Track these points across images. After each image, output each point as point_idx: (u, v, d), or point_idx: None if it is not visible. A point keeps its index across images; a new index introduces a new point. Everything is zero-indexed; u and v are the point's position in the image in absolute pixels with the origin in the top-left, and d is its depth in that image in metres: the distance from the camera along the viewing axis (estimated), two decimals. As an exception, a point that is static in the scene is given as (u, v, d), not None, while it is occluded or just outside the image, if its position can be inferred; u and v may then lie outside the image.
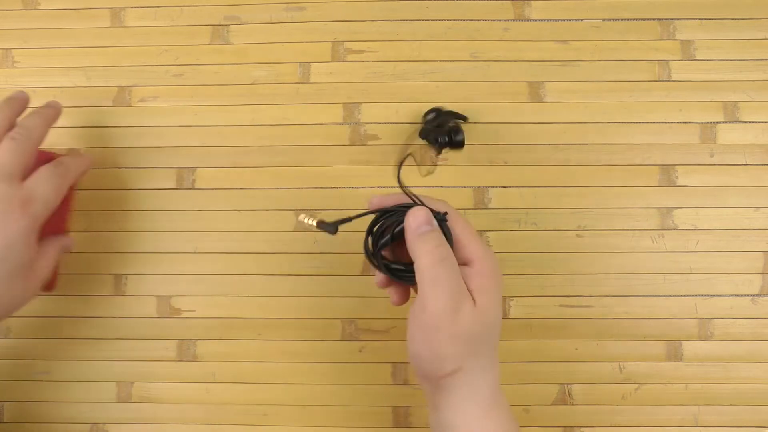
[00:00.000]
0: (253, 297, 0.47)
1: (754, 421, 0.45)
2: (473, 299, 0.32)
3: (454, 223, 0.34)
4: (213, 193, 0.47)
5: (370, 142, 0.47)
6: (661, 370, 0.45)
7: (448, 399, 0.32)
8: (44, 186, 0.38)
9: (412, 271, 0.33)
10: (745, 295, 0.45)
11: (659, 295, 0.46)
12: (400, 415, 0.46)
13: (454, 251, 0.33)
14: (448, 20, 0.48)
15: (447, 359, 0.31)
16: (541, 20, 0.48)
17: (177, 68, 0.49)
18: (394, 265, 0.36)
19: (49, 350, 0.47)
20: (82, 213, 0.47)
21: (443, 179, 0.47)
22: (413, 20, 0.48)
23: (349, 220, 0.36)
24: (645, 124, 0.47)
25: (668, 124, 0.47)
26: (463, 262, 0.33)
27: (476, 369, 0.32)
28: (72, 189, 0.43)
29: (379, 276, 0.37)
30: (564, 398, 0.45)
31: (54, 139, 0.48)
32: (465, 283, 0.32)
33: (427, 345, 0.32)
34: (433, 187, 0.47)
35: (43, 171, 0.38)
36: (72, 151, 0.41)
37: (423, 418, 0.46)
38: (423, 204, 0.35)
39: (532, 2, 0.48)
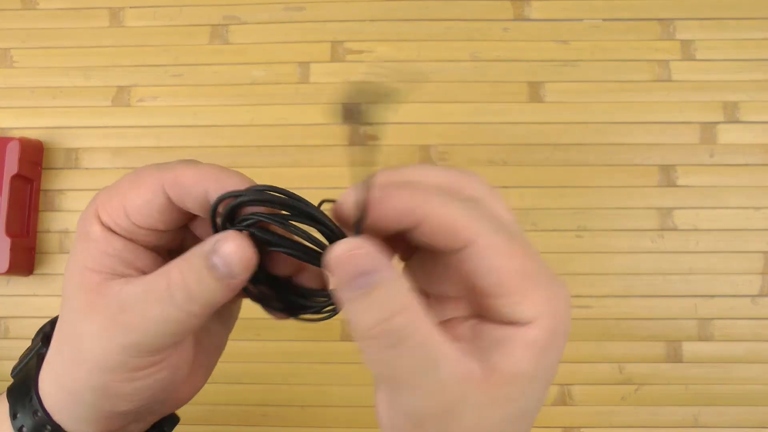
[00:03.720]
0: (253, 297, 0.46)
1: (754, 421, 0.45)
2: (490, 382, 0.18)
3: (481, 258, 0.18)
4: (212, 193, 0.47)
5: (370, 143, 0.47)
6: (661, 371, 0.45)
7: None
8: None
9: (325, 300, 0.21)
10: (745, 296, 0.45)
11: (659, 296, 0.46)
12: (400, 416, 0.46)
13: (486, 304, 0.19)
14: (447, 20, 0.48)
15: None
16: (541, 20, 0.48)
17: (176, 68, 0.48)
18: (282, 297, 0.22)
19: (48, 350, 0.47)
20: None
21: (443, 179, 0.47)
22: (413, 20, 0.48)
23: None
24: (645, 124, 0.47)
25: (668, 124, 0.47)
26: (499, 319, 0.19)
27: None
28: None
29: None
30: (564, 398, 0.45)
31: (55, 140, 0.48)
32: (486, 353, 0.18)
33: None
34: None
35: None
36: None
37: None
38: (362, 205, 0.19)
39: (532, 2, 0.48)
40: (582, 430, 0.45)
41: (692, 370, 0.45)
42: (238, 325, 0.47)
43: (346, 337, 0.46)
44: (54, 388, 0.22)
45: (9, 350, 0.47)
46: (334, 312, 0.21)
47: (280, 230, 0.20)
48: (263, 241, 0.20)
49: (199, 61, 0.48)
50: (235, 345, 0.46)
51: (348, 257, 0.17)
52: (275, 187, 0.20)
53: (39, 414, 0.22)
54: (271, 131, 0.48)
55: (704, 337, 0.45)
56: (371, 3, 0.49)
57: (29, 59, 0.49)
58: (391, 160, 0.47)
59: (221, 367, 0.46)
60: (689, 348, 0.45)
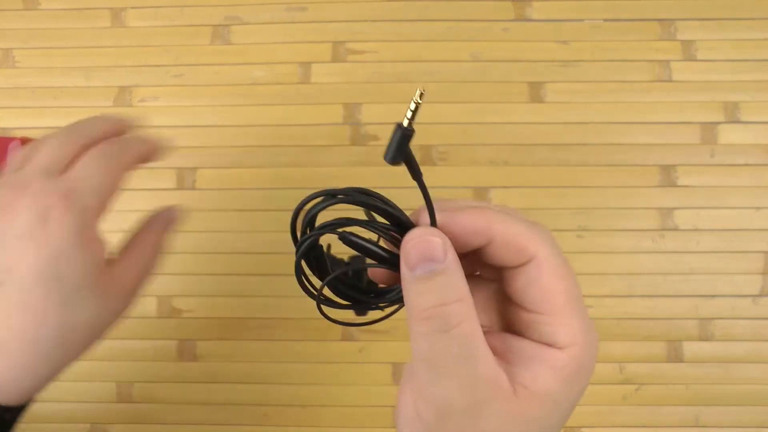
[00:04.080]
0: (253, 297, 0.47)
1: (755, 421, 0.45)
2: (517, 396, 0.19)
3: (538, 275, 0.20)
4: (213, 193, 0.47)
5: (370, 143, 0.47)
6: (661, 371, 0.45)
7: None
8: (90, 169, 0.28)
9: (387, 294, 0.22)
10: (745, 296, 0.45)
11: (660, 296, 0.46)
12: (401, 416, 0.46)
13: (524, 320, 0.20)
14: (448, 21, 0.48)
15: None
16: (542, 20, 0.48)
17: (177, 68, 0.49)
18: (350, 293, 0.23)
19: (49, 350, 0.47)
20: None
21: (443, 179, 0.47)
22: (414, 21, 0.48)
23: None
24: (645, 124, 0.47)
25: (669, 125, 0.47)
26: (537, 338, 0.20)
27: None
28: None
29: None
30: (564, 398, 0.45)
31: (54, 139, 0.48)
32: (519, 369, 0.19)
33: None
34: (432, 187, 0.46)
35: (90, 152, 0.29)
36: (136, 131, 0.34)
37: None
38: (431, 213, 0.21)
39: (533, 2, 0.48)
40: (582, 429, 0.45)
41: (693, 370, 0.45)
42: (239, 325, 0.47)
43: (346, 337, 0.46)
44: None
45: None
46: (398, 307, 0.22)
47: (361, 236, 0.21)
48: (351, 244, 0.21)
49: (201, 62, 0.49)
50: (235, 345, 0.47)
51: (420, 242, 0.19)
52: (365, 189, 0.21)
53: None
54: (272, 131, 0.48)
55: (705, 337, 0.45)
56: (372, 3, 0.49)
57: (31, 59, 0.49)
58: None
59: (222, 367, 0.47)
60: (690, 348, 0.45)
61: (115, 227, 0.47)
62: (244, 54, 0.49)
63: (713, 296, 0.45)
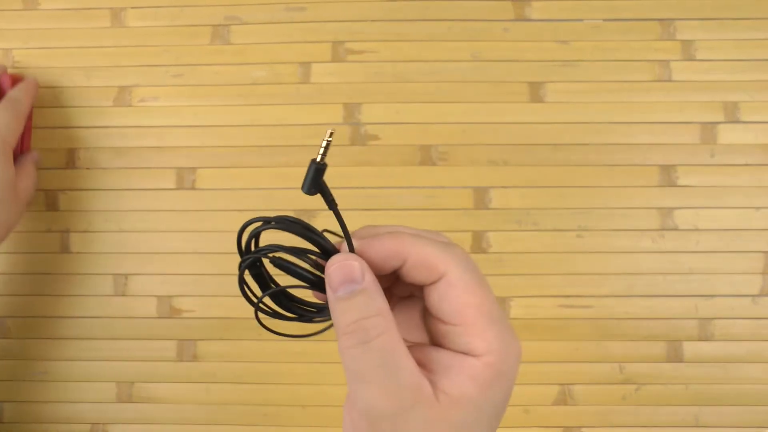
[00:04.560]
0: (253, 297, 0.47)
1: (755, 421, 0.45)
2: (439, 402, 0.21)
3: (449, 290, 0.22)
4: (213, 193, 0.47)
5: (370, 143, 0.47)
6: (661, 371, 0.45)
7: None
8: (3, 116, 0.41)
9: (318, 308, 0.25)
10: (745, 296, 0.45)
11: (659, 296, 0.46)
12: (400, 416, 0.46)
13: (442, 331, 0.22)
14: (448, 20, 0.48)
15: None
16: (542, 20, 0.48)
17: (177, 68, 0.49)
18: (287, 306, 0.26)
19: (48, 350, 0.47)
20: (82, 213, 0.47)
21: (443, 179, 0.47)
22: (414, 20, 0.48)
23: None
24: (645, 124, 0.47)
25: (668, 124, 0.47)
26: (454, 348, 0.22)
27: None
28: (30, 111, 0.46)
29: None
30: (564, 398, 0.45)
31: (54, 139, 0.48)
32: (440, 377, 0.21)
33: None
34: (433, 187, 0.47)
35: (1, 104, 0.42)
36: (19, 81, 0.46)
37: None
38: (346, 239, 0.23)
39: (533, 2, 0.48)
40: (582, 429, 0.45)
41: (693, 370, 0.45)
42: (239, 325, 0.47)
43: (346, 336, 0.46)
44: None
45: (9, 350, 0.47)
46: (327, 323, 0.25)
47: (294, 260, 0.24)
48: (281, 268, 0.24)
49: (200, 62, 0.49)
50: (235, 345, 0.47)
51: (340, 266, 0.22)
52: (294, 218, 0.24)
53: None
54: (272, 131, 0.48)
55: (705, 337, 0.45)
56: (372, 3, 0.49)
57: (31, 59, 0.49)
58: (391, 161, 0.47)
59: (222, 367, 0.47)
60: (690, 348, 0.45)
61: (115, 227, 0.48)
62: (244, 54, 0.49)
63: (713, 296, 0.45)
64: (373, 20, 0.49)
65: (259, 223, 0.24)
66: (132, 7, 0.49)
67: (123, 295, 0.47)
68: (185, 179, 0.48)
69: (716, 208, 0.46)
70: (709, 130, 0.47)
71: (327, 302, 0.23)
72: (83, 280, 0.47)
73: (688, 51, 0.48)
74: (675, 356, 0.45)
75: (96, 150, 0.48)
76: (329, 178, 0.47)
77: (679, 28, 0.48)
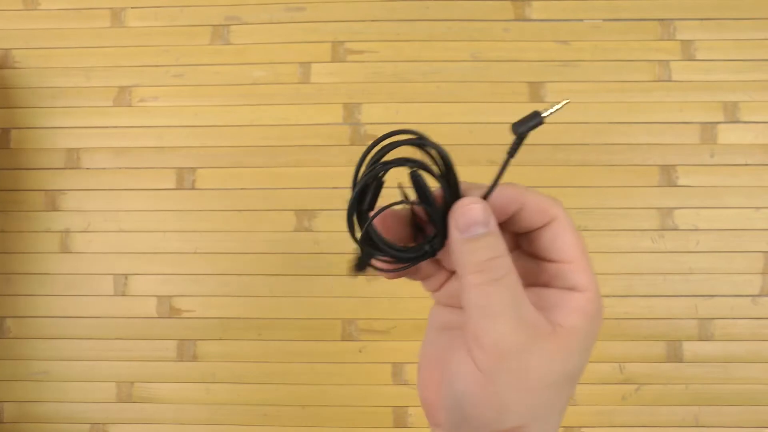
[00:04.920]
0: (253, 297, 0.47)
1: (754, 421, 0.45)
2: (556, 334, 0.23)
3: (562, 231, 0.24)
4: (213, 193, 0.47)
5: (369, 142, 0.47)
6: (661, 371, 0.45)
7: None
8: None
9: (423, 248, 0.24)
10: (745, 296, 0.45)
11: (659, 296, 0.46)
12: (400, 416, 0.46)
13: (551, 271, 0.24)
14: (448, 20, 0.48)
15: (509, 412, 0.23)
16: (542, 21, 0.48)
17: (177, 68, 0.49)
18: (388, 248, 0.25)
19: (49, 350, 0.47)
20: (82, 213, 0.47)
21: (443, 179, 0.47)
22: (414, 20, 0.48)
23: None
24: (645, 124, 0.47)
25: (668, 124, 0.47)
26: (561, 285, 0.24)
27: (542, 430, 0.24)
28: None
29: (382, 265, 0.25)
30: (564, 398, 0.45)
31: (54, 139, 0.48)
32: (551, 313, 0.24)
33: (482, 390, 0.23)
34: (433, 187, 0.47)
35: None
36: None
37: (423, 418, 0.45)
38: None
39: (533, 3, 0.48)
40: (583, 429, 0.45)
41: (692, 370, 0.45)
42: (239, 325, 0.47)
43: (346, 337, 0.46)
44: None
45: (9, 350, 0.47)
46: (430, 255, 0.25)
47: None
48: (416, 183, 0.24)
49: (201, 62, 0.49)
50: (235, 345, 0.47)
51: (469, 208, 0.23)
52: (414, 131, 0.24)
53: None
54: (272, 131, 0.48)
55: (704, 337, 0.45)
56: (372, 3, 0.49)
57: (31, 59, 0.49)
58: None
59: (222, 367, 0.47)
60: (689, 348, 0.45)
61: (115, 227, 0.48)
62: (244, 54, 0.49)
63: (713, 296, 0.45)
64: (373, 20, 0.49)
65: (405, 136, 0.24)
66: (132, 7, 0.49)
67: (123, 295, 0.47)
68: (185, 179, 0.48)
69: (716, 208, 0.46)
70: (709, 130, 0.47)
71: (433, 235, 0.24)
72: (83, 280, 0.47)
73: (688, 51, 0.48)
74: (675, 356, 0.45)
75: (97, 150, 0.48)
76: (329, 178, 0.47)
77: (679, 28, 0.48)
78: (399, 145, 0.24)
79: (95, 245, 0.47)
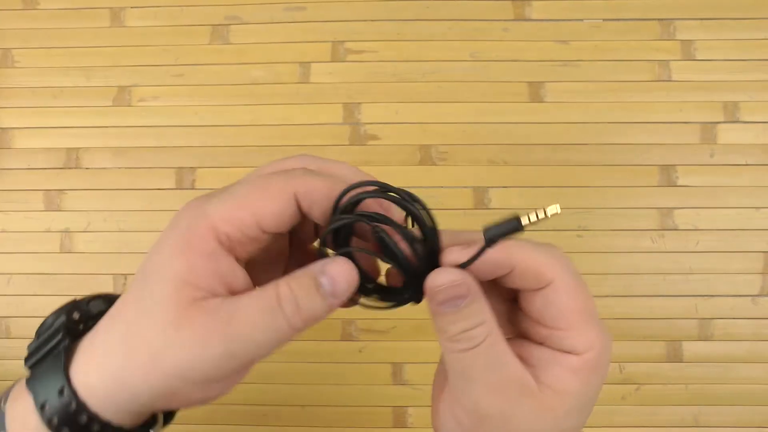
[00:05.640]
0: (253, 297, 0.46)
1: (754, 421, 0.45)
2: (543, 395, 0.21)
3: (557, 298, 0.22)
4: (213, 193, 0.47)
5: (370, 142, 0.47)
6: (661, 371, 0.45)
7: None
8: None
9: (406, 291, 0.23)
10: (745, 296, 0.45)
11: (659, 296, 0.46)
12: (400, 415, 0.46)
13: (543, 333, 0.22)
14: (448, 20, 0.48)
15: None
16: (541, 20, 0.48)
17: (177, 68, 0.49)
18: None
19: (49, 350, 0.47)
20: (82, 213, 0.47)
21: (443, 179, 0.47)
22: (413, 20, 0.48)
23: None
24: (645, 124, 0.47)
25: (668, 124, 0.47)
26: (556, 347, 0.22)
27: None
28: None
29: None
30: (564, 398, 0.45)
31: (55, 139, 0.48)
32: (541, 372, 0.22)
33: None
34: (433, 187, 0.47)
35: None
36: None
37: (423, 418, 0.45)
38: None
39: (532, 2, 0.48)
40: (582, 429, 0.45)
41: (692, 370, 0.45)
42: (239, 324, 0.47)
43: (346, 336, 0.46)
44: (102, 382, 0.22)
45: (9, 350, 0.47)
46: (398, 305, 0.24)
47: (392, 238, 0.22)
48: (379, 241, 0.21)
49: (200, 61, 0.49)
50: (235, 345, 0.47)
51: (449, 288, 0.21)
52: (396, 188, 0.22)
53: (73, 405, 0.22)
54: (272, 131, 0.48)
55: (704, 337, 0.45)
56: (372, 3, 0.49)
57: (30, 59, 0.49)
58: (391, 160, 0.47)
59: (222, 367, 0.47)
60: (689, 348, 0.45)
61: (115, 227, 0.48)
62: (244, 54, 0.49)
63: (713, 296, 0.45)
64: (372, 20, 0.49)
65: (373, 188, 0.21)
66: (131, 7, 0.49)
67: (123, 295, 0.47)
68: (185, 179, 0.48)
69: (716, 208, 0.46)
70: (708, 130, 0.47)
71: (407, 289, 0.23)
72: (83, 280, 0.47)
73: (687, 51, 0.48)
74: (675, 356, 0.45)
75: (96, 150, 0.48)
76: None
77: (679, 28, 0.48)
78: (375, 197, 0.21)
79: (95, 245, 0.47)
